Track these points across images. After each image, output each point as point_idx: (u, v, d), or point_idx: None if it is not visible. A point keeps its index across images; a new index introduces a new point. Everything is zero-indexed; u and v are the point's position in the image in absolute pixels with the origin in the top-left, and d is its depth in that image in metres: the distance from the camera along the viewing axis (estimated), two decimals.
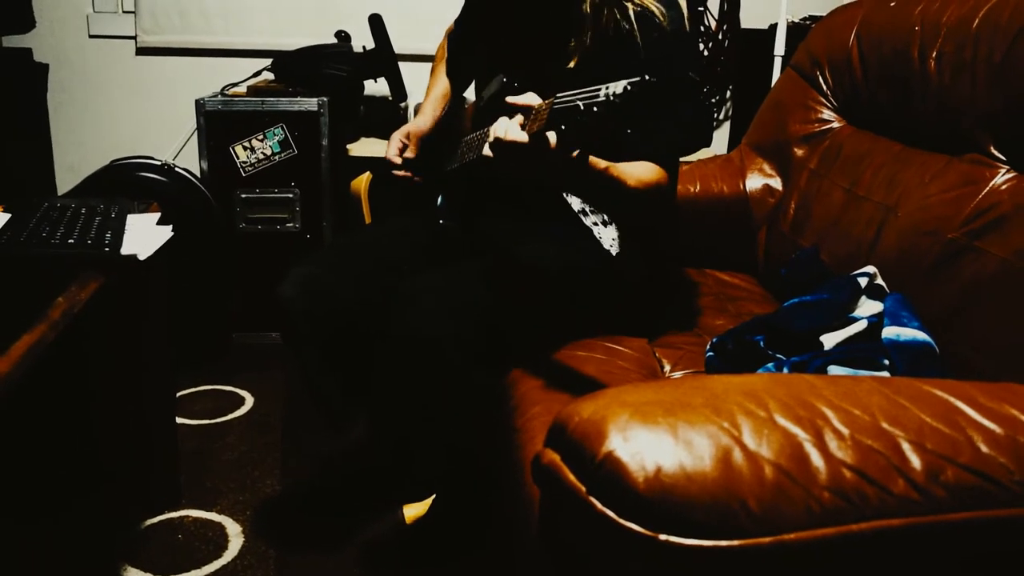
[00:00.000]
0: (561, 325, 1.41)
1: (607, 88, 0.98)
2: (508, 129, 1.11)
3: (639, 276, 1.51)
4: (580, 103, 1.00)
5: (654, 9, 1.37)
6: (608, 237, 1.46)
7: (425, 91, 1.84)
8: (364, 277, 1.52)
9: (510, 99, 1.15)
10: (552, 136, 1.09)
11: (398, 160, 1.69)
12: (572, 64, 1.40)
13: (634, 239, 1.48)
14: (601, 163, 1.23)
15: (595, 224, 1.46)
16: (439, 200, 1.67)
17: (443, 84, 1.81)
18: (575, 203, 1.47)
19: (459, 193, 1.63)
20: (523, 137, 1.10)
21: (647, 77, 0.96)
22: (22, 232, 1.35)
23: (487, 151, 1.17)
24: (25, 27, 2.67)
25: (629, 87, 0.96)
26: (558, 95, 1.04)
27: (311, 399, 1.58)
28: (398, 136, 1.71)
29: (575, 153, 1.14)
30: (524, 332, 1.38)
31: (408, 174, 1.69)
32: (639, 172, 1.31)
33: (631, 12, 1.38)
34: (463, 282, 1.37)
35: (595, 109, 0.98)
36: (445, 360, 1.30)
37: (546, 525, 0.83)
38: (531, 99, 1.14)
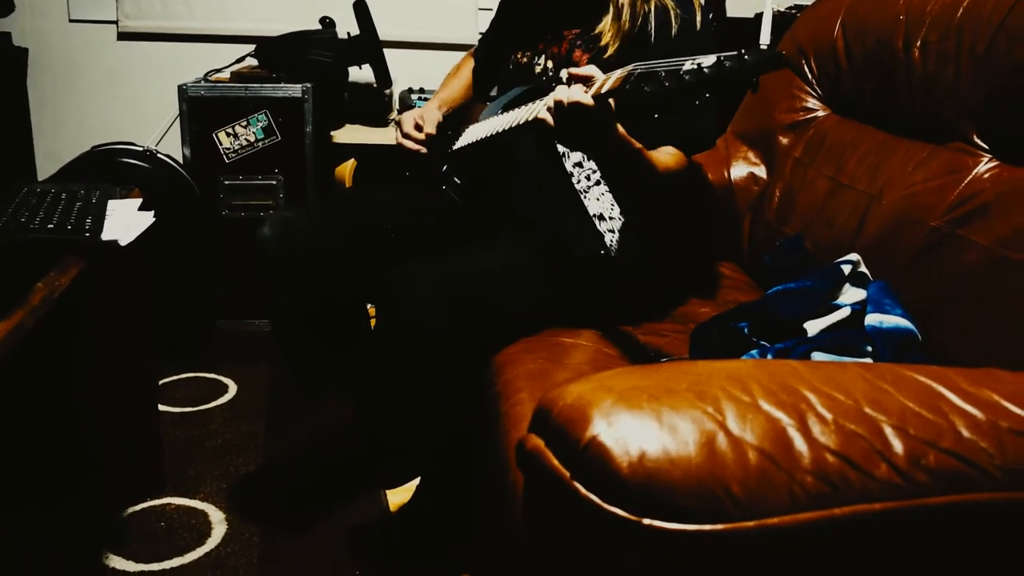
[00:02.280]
0: (549, 312, 1.40)
1: (694, 60, 0.99)
2: (572, 92, 1.13)
3: (634, 270, 1.51)
4: (662, 71, 1.01)
5: (669, 7, 1.40)
6: (606, 229, 1.46)
7: (434, 94, 1.83)
8: (346, 229, 1.53)
9: (572, 70, 1.17)
10: (613, 103, 1.13)
11: (418, 134, 1.66)
12: (609, 54, 1.41)
13: (636, 233, 1.49)
14: (636, 143, 1.26)
15: (596, 216, 1.46)
16: (444, 168, 1.65)
17: (452, 91, 1.81)
18: (584, 193, 1.47)
19: (465, 171, 1.62)
20: (587, 100, 1.12)
21: (743, 52, 0.96)
22: (1, 217, 1.34)
23: (543, 114, 1.18)
24: (4, 11, 2.63)
25: (725, 60, 0.97)
26: (636, 64, 1.07)
27: (281, 350, 1.57)
28: (412, 115, 1.70)
29: (622, 130, 1.19)
30: (513, 318, 1.37)
31: (423, 149, 1.67)
32: (663, 158, 1.34)
33: (652, 7, 1.40)
34: (457, 270, 1.37)
35: (680, 76, 0.99)
36: (439, 351, 1.29)
37: (530, 510, 0.83)
38: (592, 70, 1.16)
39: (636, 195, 1.37)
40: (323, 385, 1.56)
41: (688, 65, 0.99)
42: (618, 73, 1.09)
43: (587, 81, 1.15)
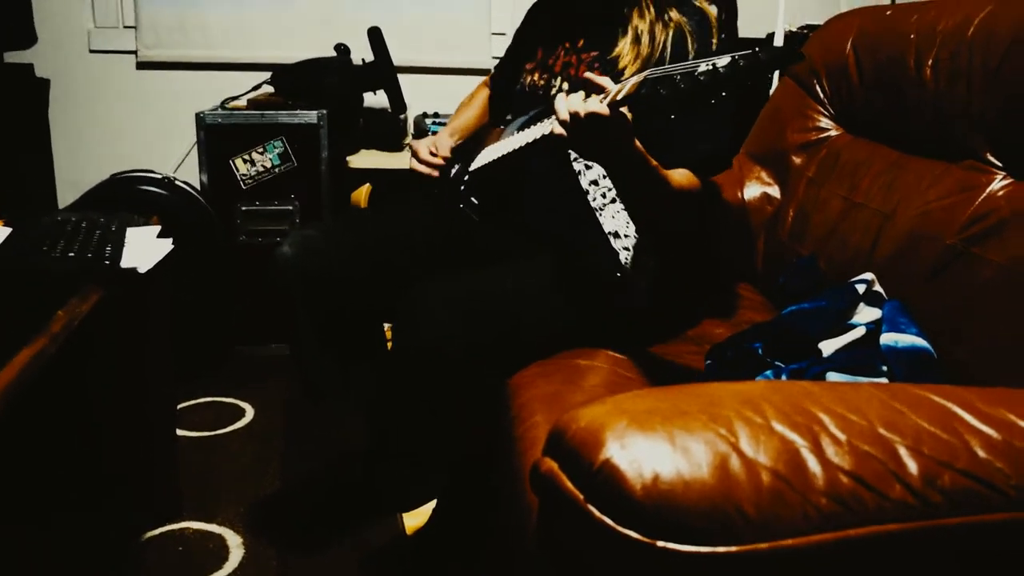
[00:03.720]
0: (564, 333, 1.41)
1: (709, 60, 1.00)
2: (589, 102, 1.13)
3: (648, 288, 1.52)
4: (676, 75, 1.02)
5: (686, 32, 1.41)
6: (621, 247, 1.47)
7: (447, 123, 1.85)
8: (364, 248, 1.54)
9: (589, 75, 1.17)
10: (625, 109, 1.13)
11: (433, 159, 1.69)
12: (626, 78, 1.42)
13: (650, 252, 1.50)
14: (653, 160, 1.26)
15: (611, 234, 1.47)
16: (462, 188, 1.67)
17: (464, 120, 1.83)
18: (600, 211, 1.48)
19: (482, 191, 1.64)
20: (603, 109, 1.12)
21: (756, 50, 0.97)
22: (23, 246, 1.36)
23: (558, 127, 1.19)
24: (27, 43, 2.68)
25: (739, 59, 0.98)
26: (650, 70, 1.07)
27: (296, 363, 1.58)
28: (426, 142, 1.72)
29: (638, 144, 1.19)
30: (529, 340, 1.38)
31: (435, 173, 1.69)
32: (678, 177, 1.34)
33: (671, 32, 1.43)
34: (472, 290, 1.37)
35: (696, 77, 1.00)
36: (453, 371, 1.30)
37: (544, 533, 0.83)
38: (607, 82, 1.16)
39: (650, 212, 1.37)
40: (334, 399, 1.57)
41: (703, 67, 1.00)
42: (633, 79, 1.09)
43: (601, 91, 1.16)
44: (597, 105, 1.12)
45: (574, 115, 1.14)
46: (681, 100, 1.03)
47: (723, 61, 0.99)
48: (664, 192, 1.29)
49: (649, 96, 1.06)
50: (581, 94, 1.17)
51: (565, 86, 1.54)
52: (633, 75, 1.10)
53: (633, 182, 1.29)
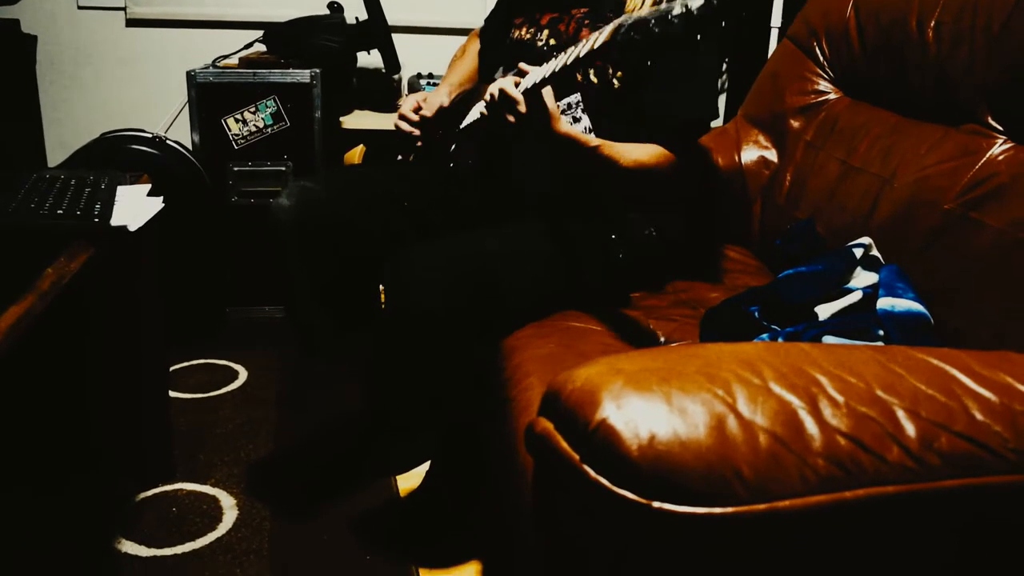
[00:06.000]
0: (556, 295, 1.40)
1: (681, 3, 0.99)
2: (502, 82, 1.15)
3: (641, 251, 1.51)
4: (651, 19, 1.02)
5: None
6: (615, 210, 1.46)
7: (443, 79, 1.83)
8: (362, 202, 1.53)
9: (522, 64, 1.19)
10: (546, 93, 1.17)
11: (413, 116, 1.66)
12: None
13: (641, 213, 1.49)
14: (593, 141, 1.27)
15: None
16: (452, 147, 1.65)
17: (460, 74, 1.81)
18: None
19: (472, 148, 1.62)
20: (514, 92, 1.17)
21: None
22: (11, 203, 1.34)
23: (481, 106, 1.20)
24: None
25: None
26: (624, 17, 1.06)
27: (289, 317, 1.58)
28: (414, 97, 1.70)
29: (565, 128, 1.21)
30: (521, 303, 1.37)
31: (416, 131, 1.67)
32: (636, 153, 1.33)
33: None
34: (461, 252, 1.36)
35: (670, 21, 0.99)
36: (442, 333, 1.29)
37: (539, 495, 0.83)
38: (528, 67, 1.20)
39: (610, 186, 1.39)
40: (326, 351, 1.57)
41: (677, 9, 0.99)
42: (608, 28, 1.08)
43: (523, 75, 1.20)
44: (509, 86, 1.17)
45: (490, 95, 1.19)
46: (657, 45, 1.03)
47: (697, 3, 0.97)
48: (615, 171, 1.31)
49: (624, 43, 1.06)
50: (511, 77, 1.23)
51: (552, 41, 1.52)
52: (607, 25, 1.09)
53: (571, 162, 1.31)
